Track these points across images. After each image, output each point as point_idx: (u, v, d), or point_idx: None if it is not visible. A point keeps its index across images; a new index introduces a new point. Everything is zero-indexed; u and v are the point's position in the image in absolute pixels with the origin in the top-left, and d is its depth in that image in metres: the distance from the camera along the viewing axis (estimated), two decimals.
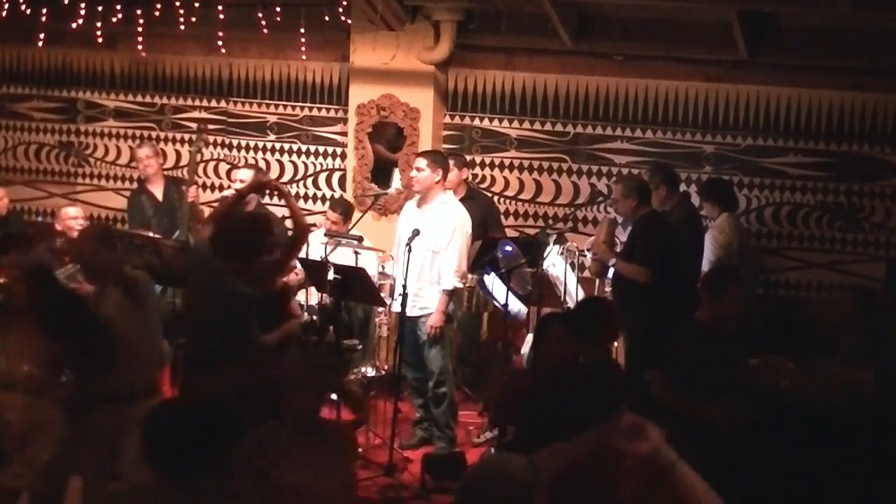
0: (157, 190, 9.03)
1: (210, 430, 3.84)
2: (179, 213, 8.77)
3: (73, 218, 8.18)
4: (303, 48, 9.20)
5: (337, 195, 9.57)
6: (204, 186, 9.90)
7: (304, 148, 10.07)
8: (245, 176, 8.44)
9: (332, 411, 7.35)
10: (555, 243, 8.13)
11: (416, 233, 7.28)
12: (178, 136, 10.34)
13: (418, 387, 7.57)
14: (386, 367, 8.27)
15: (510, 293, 7.41)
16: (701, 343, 5.67)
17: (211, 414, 3.91)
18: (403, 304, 7.19)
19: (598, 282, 8.21)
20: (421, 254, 7.32)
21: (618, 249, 7.69)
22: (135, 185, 10.09)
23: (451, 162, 8.60)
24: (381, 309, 8.23)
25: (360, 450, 6.86)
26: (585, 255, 8.07)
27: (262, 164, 10.07)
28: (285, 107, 10.08)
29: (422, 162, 7.48)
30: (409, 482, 6.89)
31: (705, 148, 9.18)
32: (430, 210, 7.44)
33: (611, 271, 7.71)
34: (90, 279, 5.79)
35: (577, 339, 5.14)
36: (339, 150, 9.95)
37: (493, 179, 9.59)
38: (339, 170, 9.93)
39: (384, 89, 9.42)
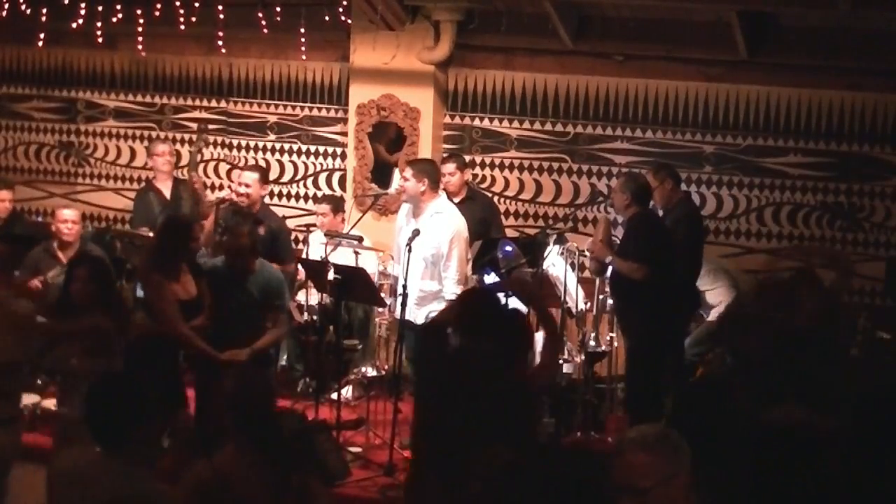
0: (166, 189, 9.06)
1: (144, 402, 3.97)
2: (182, 212, 8.78)
3: (63, 222, 8.16)
4: (303, 48, 9.19)
5: (337, 195, 9.57)
6: (204, 186, 9.88)
7: (304, 148, 10.07)
8: (249, 179, 8.37)
9: (332, 412, 7.37)
10: (555, 243, 8.12)
11: (416, 233, 7.28)
12: (178, 136, 10.34)
13: None
14: (386, 367, 8.27)
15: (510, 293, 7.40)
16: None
17: (145, 387, 4.03)
18: (403, 304, 7.20)
19: (597, 281, 8.21)
20: (418, 263, 7.33)
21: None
22: (136, 185, 10.15)
23: (454, 165, 8.61)
24: (381, 309, 8.23)
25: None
26: (585, 255, 8.07)
27: (262, 164, 10.07)
28: (285, 107, 10.08)
29: (408, 172, 7.52)
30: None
31: (705, 148, 9.17)
32: (423, 220, 7.45)
33: (610, 271, 7.71)
34: None
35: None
36: (339, 150, 9.95)
37: (493, 179, 9.59)
38: (339, 170, 9.93)
39: (384, 89, 9.42)
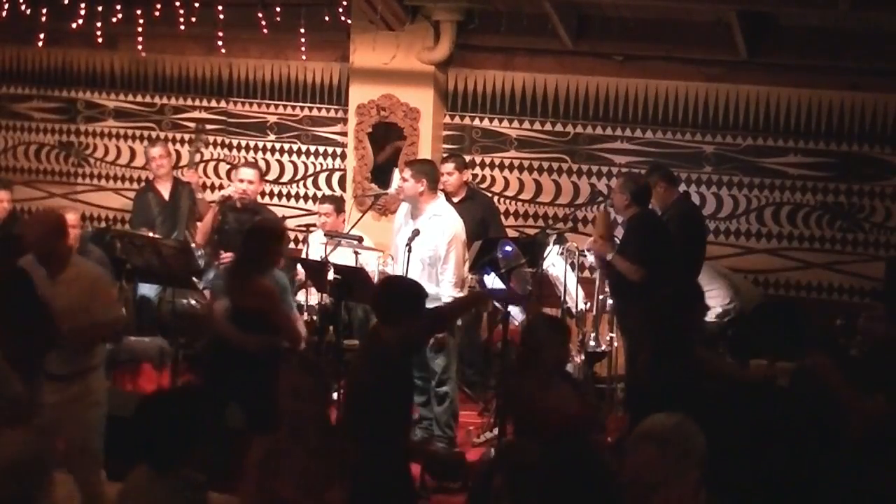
0: (165, 189, 9.05)
1: (193, 421, 3.88)
2: (180, 213, 8.79)
3: None
4: (303, 48, 9.19)
5: (337, 195, 9.57)
6: (204, 186, 9.90)
7: (304, 148, 10.07)
8: (252, 175, 8.42)
9: (333, 412, 7.36)
10: (555, 243, 8.12)
11: (416, 233, 7.28)
12: (178, 136, 10.34)
13: (421, 386, 7.56)
14: None
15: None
16: None
17: (194, 406, 3.95)
18: None
19: (597, 281, 8.21)
20: (415, 264, 7.33)
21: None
22: (136, 185, 10.16)
23: (452, 165, 8.61)
24: None
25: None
26: (585, 256, 8.07)
27: (261, 164, 10.08)
28: (285, 107, 10.08)
29: (406, 173, 7.51)
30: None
31: (705, 148, 9.18)
32: (422, 221, 7.45)
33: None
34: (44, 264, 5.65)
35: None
36: (339, 150, 9.95)
37: (493, 179, 9.59)
38: (339, 170, 9.93)
39: (384, 89, 9.42)
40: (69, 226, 8.03)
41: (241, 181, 8.38)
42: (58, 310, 5.38)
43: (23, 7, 9.08)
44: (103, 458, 5.75)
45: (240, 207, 8.30)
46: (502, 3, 9.12)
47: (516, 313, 7.87)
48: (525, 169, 9.54)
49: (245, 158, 10.04)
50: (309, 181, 10.08)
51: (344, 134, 9.81)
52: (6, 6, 9.08)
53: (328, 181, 10.01)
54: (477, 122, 9.60)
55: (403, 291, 5.48)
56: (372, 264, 8.16)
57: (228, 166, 10.16)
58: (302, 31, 9.13)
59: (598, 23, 9.09)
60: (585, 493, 4.59)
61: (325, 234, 8.27)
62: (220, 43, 9.33)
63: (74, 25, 9.22)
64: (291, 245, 8.94)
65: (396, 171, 9.18)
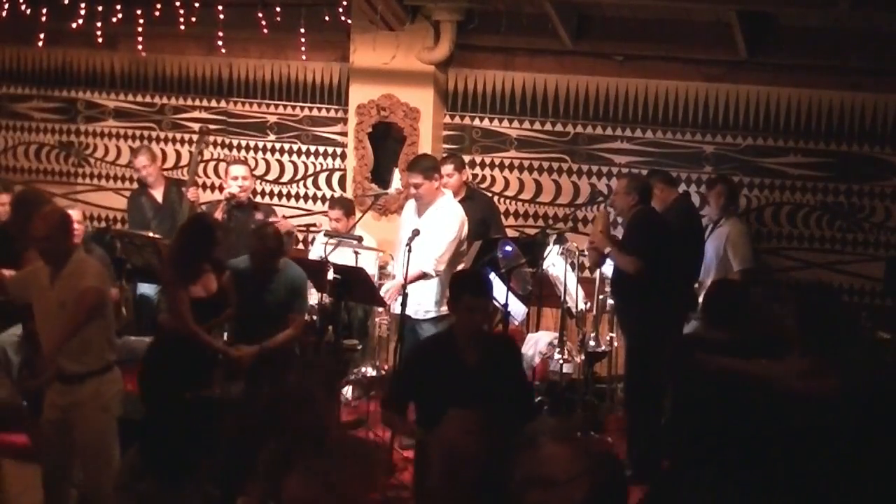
0: (158, 192, 9.06)
1: (201, 434, 3.80)
2: (179, 213, 8.79)
3: None
4: (303, 48, 9.20)
5: (337, 195, 9.56)
6: (204, 186, 9.90)
7: (304, 148, 10.07)
8: (246, 171, 8.47)
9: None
10: (555, 243, 8.13)
11: (415, 233, 7.29)
12: (178, 136, 10.34)
13: None
14: (386, 367, 8.26)
15: (510, 293, 7.41)
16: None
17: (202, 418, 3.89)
18: (403, 304, 7.20)
19: (597, 281, 8.21)
20: (417, 261, 7.35)
21: None
22: (135, 185, 10.13)
23: (452, 166, 8.61)
24: (380, 309, 8.23)
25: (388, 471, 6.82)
26: (585, 255, 8.07)
27: (262, 164, 10.08)
28: (285, 107, 10.08)
29: (417, 178, 7.52)
30: (409, 482, 6.88)
31: (705, 148, 9.17)
32: (428, 215, 7.50)
33: (608, 268, 7.71)
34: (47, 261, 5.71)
35: None
36: (339, 150, 9.95)
37: (493, 179, 9.59)
38: (339, 170, 9.93)
39: (384, 89, 9.42)
40: (77, 223, 8.12)
41: (235, 178, 8.42)
42: (57, 305, 5.53)
43: (23, 7, 9.09)
44: (117, 461, 5.72)
45: (237, 205, 8.34)
46: (502, 3, 9.11)
47: (516, 313, 7.88)
48: (525, 169, 9.54)
49: (245, 159, 10.04)
50: (309, 181, 10.07)
51: (344, 134, 9.81)
52: (6, 6, 9.09)
53: (328, 181, 10.01)
54: (477, 122, 9.60)
55: (454, 279, 5.80)
56: (371, 264, 8.16)
57: (224, 165, 10.16)
58: (302, 31, 9.14)
59: (598, 23, 9.09)
60: None
61: (324, 234, 8.27)
62: (220, 43, 9.34)
63: (74, 25, 9.22)
64: (295, 246, 8.96)
65: (396, 171, 9.19)
